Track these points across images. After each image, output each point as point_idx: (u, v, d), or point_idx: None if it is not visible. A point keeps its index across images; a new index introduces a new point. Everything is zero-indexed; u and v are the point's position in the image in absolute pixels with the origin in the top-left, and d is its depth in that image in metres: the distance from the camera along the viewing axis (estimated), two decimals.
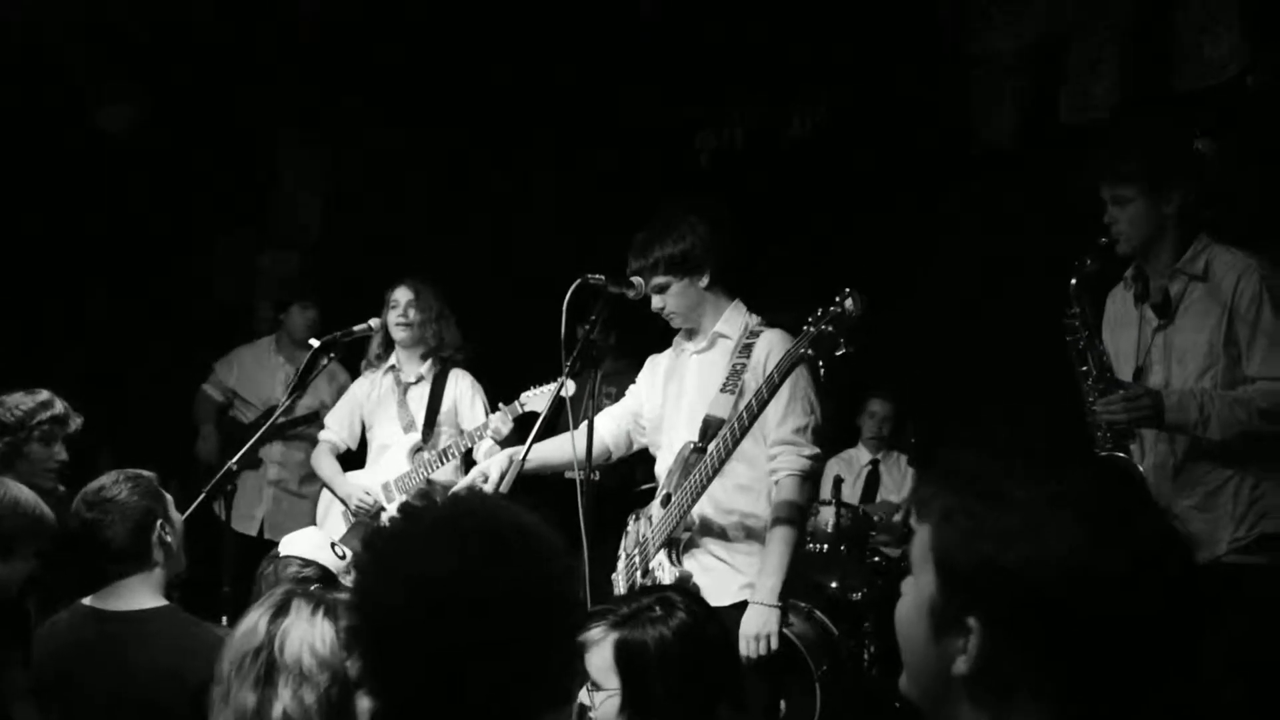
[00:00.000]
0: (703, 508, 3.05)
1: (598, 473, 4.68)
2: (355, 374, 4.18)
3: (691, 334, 3.23)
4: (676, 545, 3.06)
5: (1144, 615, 1.00)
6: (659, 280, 3.08)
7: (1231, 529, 2.82)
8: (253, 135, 5.53)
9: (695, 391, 3.16)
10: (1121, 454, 2.85)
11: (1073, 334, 2.92)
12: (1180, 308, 2.91)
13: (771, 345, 3.06)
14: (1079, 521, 1.01)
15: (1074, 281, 2.91)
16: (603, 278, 3.01)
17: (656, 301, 3.13)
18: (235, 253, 5.66)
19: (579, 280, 2.96)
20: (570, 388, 3.29)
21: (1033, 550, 0.99)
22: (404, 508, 3.32)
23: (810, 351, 2.77)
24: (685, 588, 2.87)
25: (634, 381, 4.91)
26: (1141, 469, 2.84)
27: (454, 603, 1.26)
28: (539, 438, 3.13)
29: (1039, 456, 1.09)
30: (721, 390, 3.07)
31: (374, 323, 3.84)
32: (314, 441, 4.46)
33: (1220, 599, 2.78)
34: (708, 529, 3.07)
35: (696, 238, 3.08)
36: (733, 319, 3.17)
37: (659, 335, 4.64)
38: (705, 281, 3.12)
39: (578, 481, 3.01)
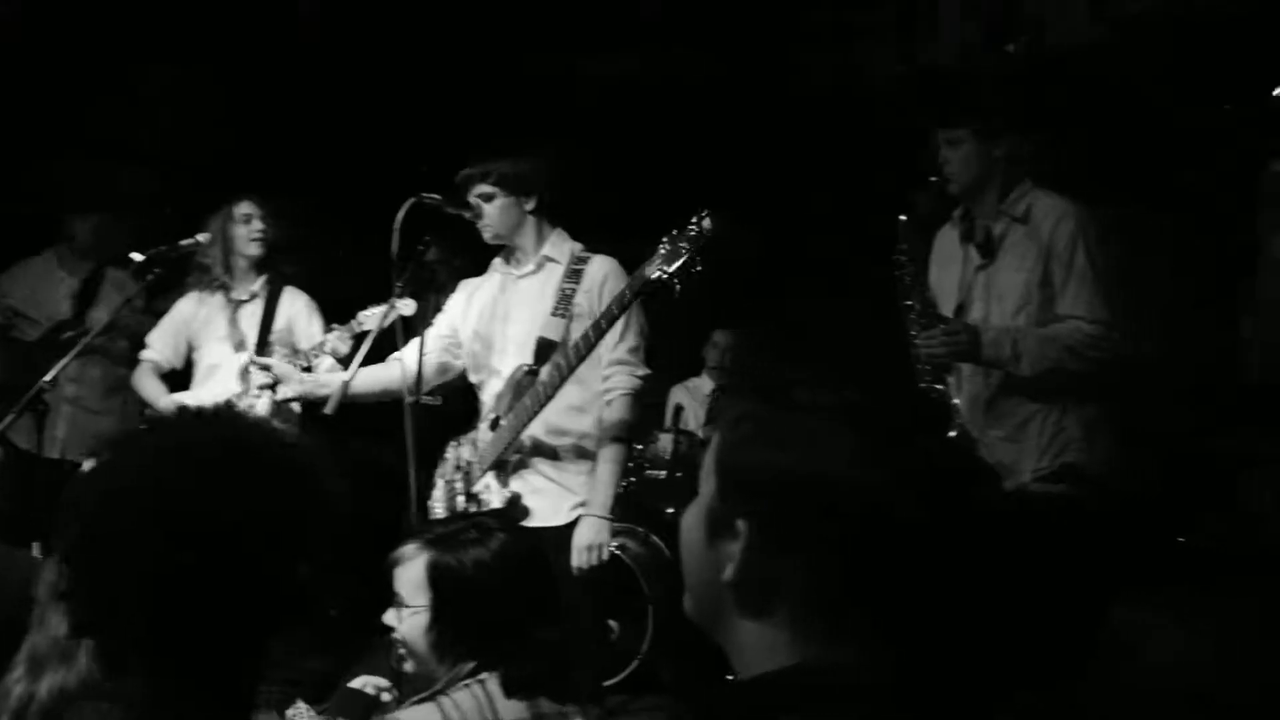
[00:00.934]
0: (533, 429, 3.07)
1: (439, 397, 4.65)
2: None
3: (511, 258, 3.23)
4: (505, 467, 3.08)
5: (905, 528, 1.02)
6: (485, 189, 3.11)
7: (1035, 459, 2.96)
8: None
9: (524, 315, 3.16)
10: (939, 385, 2.96)
11: (900, 269, 3.01)
12: (1001, 248, 3.02)
13: (607, 270, 3.11)
14: (855, 433, 1.03)
15: (903, 218, 2.98)
16: (439, 197, 2.96)
17: (475, 209, 3.12)
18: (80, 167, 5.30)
19: (413, 199, 2.89)
20: (410, 307, 3.24)
21: (806, 457, 1.02)
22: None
23: (666, 270, 2.80)
24: (505, 513, 2.90)
25: None
26: (957, 401, 2.95)
27: (159, 523, 1.17)
28: (367, 360, 3.08)
29: (830, 371, 1.12)
30: (552, 314, 3.10)
31: (202, 237, 3.67)
32: (111, 356, 4.26)
33: (1021, 523, 2.95)
34: (538, 450, 3.09)
35: (537, 162, 3.14)
36: (559, 244, 3.19)
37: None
38: (531, 205, 3.15)
39: (405, 405, 2.97)
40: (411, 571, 1.91)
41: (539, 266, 3.18)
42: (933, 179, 3.01)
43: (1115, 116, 4.10)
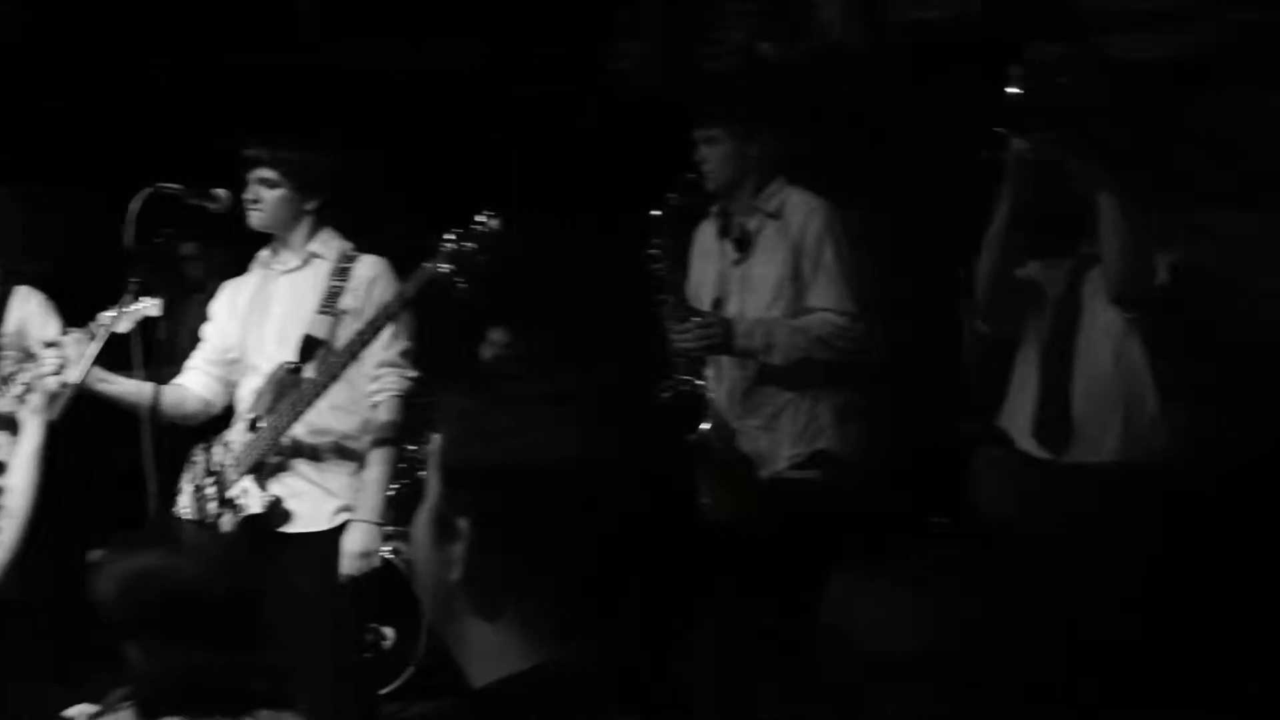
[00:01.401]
0: (292, 430, 2.97)
1: None
2: None
3: (276, 252, 3.12)
4: (263, 470, 2.97)
5: (620, 518, 1.01)
6: (269, 175, 2.98)
7: (790, 446, 3.07)
8: None
9: (287, 311, 3.06)
10: (696, 379, 3.02)
11: (656, 263, 3.07)
12: (755, 243, 3.12)
13: (377, 270, 3.04)
14: (566, 420, 1.02)
15: (656, 214, 3.04)
16: (179, 187, 2.83)
17: (252, 191, 2.99)
18: None
19: (149, 188, 2.75)
20: (156, 306, 3.07)
21: (518, 446, 1.00)
22: None
23: (446, 269, 2.77)
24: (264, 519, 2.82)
25: None
26: (712, 395, 3.02)
27: None
28: (112, 364, 2.92)
29: (544, 360, 1.12)
30: (319, 311, 3.00)
31: None
32: None
33: (777, 512, 3.05)
34: (299, 451, 2.99)
35: (330, 161, 3.05)
36: (327, 241, 3.10)
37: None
38: (312, 206, 3.05)
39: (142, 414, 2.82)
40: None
41: (304, 262, 3.08)
42: (689, 175, 3.08)
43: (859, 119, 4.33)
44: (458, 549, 1.01)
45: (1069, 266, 2.93)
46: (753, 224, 3.13)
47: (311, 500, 2.97)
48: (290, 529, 2.97)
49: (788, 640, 2.90)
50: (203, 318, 4.54)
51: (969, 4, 4.36)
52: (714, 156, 3.07)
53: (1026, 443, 2.87)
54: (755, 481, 3.08)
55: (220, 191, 2.96)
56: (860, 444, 3.11)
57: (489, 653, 1.02)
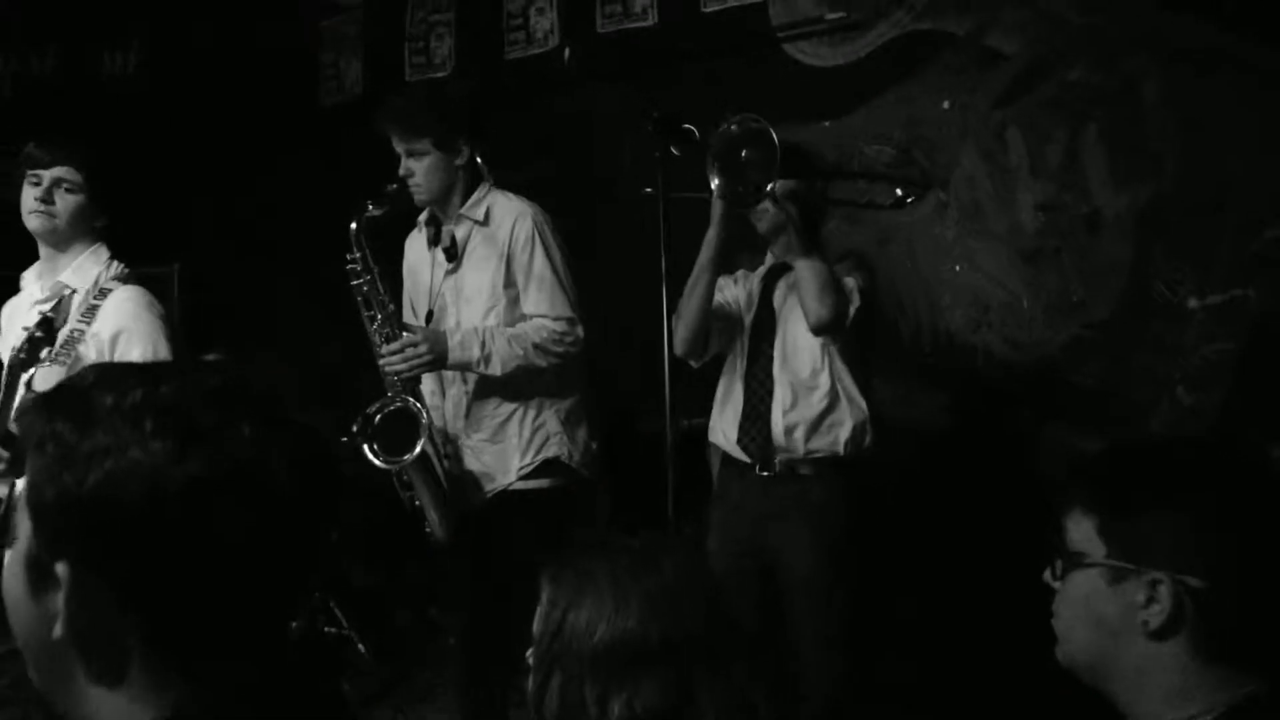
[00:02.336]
0: None
1: None
2: None
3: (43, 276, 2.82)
4: None
5: (240, 536, 0.90)
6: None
7: (519, 458, 3.04)
8: None
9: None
10: (412, 398, 2.93)
11: (356, 279, 2.96)
12: (465, 251, 3.07)
13: (124, 322, 2.69)
14: (162, 432, 0.88)
15: (354, 225, 2.93)
16: None
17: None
18: None
19: None
20: None
21: (112, 469, 0.87)
22: None
23: None
24: None
25: None
26: (425, 414, 2.94)
27: None
28: None
29: (153, 366, 0.97)
30: (53, 362, 2.60)
31: None
32: None
33: (509, 525, 3.01)
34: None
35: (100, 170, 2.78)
36: (84, 267, 2.78)
37: None
38: (99, 220, 2.80)
39: None
40: None
41: (54, 294, 2.74)
42: (391, 186, 2.99)
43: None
44: (57, 599, 0.88)
45: (760, 278, 3.06)
46: (461, 232, 3.07)
47: None
48: None
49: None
50: None
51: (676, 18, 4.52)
52: (422, 169, 3.00)
53: (733, 449, 2.97)
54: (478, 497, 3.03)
55: None
56: (588, 449, 3.12)
57: (115, 709, 0.90)
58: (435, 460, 3.00)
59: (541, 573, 1.69)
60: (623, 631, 1.57)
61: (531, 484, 3.05)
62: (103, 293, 2.71)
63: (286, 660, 0.98)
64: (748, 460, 2.95)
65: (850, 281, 2.89)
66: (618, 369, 3.66)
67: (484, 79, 4.81)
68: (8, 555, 0.94)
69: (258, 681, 0.95)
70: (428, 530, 3.03)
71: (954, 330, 3.97)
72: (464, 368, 2.97)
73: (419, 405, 2.91)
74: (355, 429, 2.82)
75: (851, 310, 2.84)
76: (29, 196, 2.71)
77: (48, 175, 2.71)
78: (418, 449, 2.84)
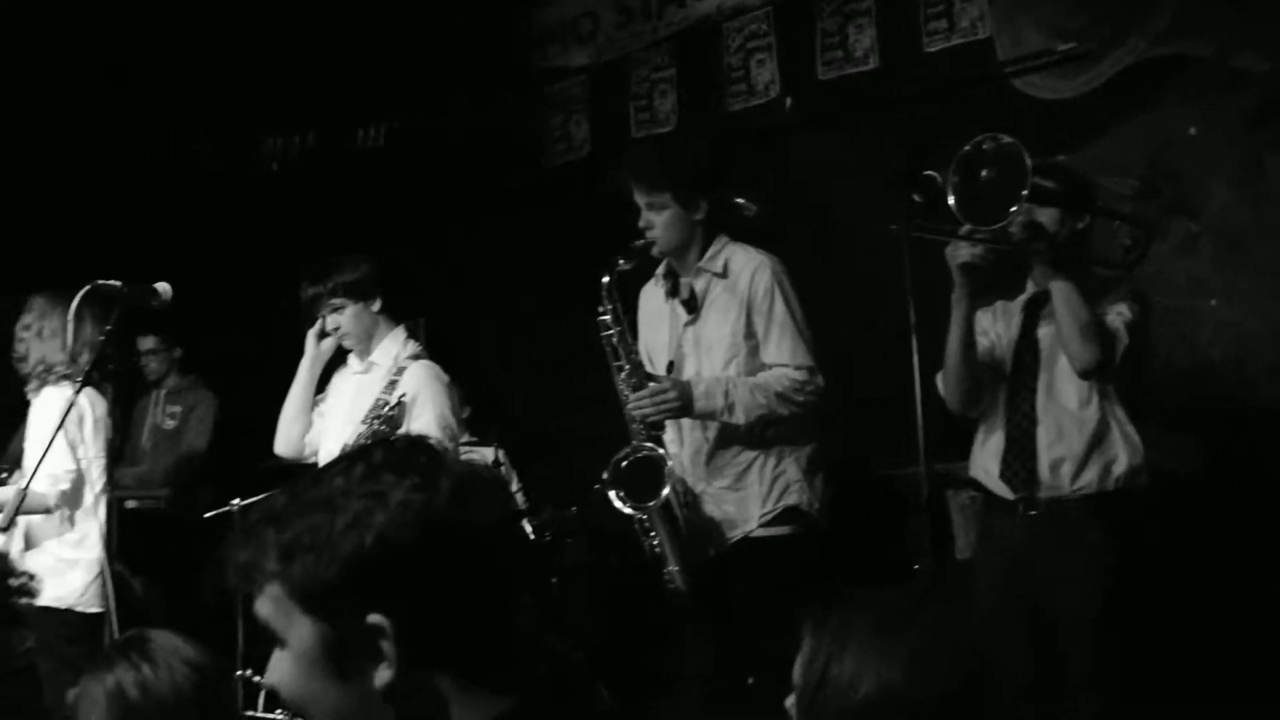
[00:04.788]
0: None
1: (162, 499, 4.38)
2: None
3: (359, 355, 3.39)
4: None
5: (494, 531, 1.03)
6: (336, 302, 3.29)
7: (760, 505, 3.07)
8: None
9: (344, 413, 3.31)
10: (654, 445, 3.01)
11: (606, 330, 3.07)
12: (705, 303, 3.14)
13: (416, 388, 3.24)
14: (403, 475, 1.02)
15: (605, 279, 3.05)
16: (119, 284, 2.82)
17: (331, 321, 3.31)
18: None
19: (89, 285, 2.75)
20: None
21: (384, 520, 0.99)
22: None
23: None
24: None
25: (202, 399, 4.63)
26: (671, 462, 3.01)
27: None
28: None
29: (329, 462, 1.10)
30: (362, 421, 3.21)
31: None
32: None
33: (750, 572, 3.04)
34: None
35: (369, 266, 3.33)
36: (387, 348, 3.36)
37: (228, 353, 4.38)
38: (376, 306, 3.33)
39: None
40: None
41: (367, 369, 3.37)
42: (637, 242, 3.10)
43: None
44: (377, 649, 0.99)
45: (1020, 307, 2.98)
46: (699, 284, 3.15)
47: None
48: None
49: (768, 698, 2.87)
50: (162, 412, 4.52)
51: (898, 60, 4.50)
52: (660, 222, 3.09)
53: (995, 485, 2.89)
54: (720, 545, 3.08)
55: (161, 285, 2.94)
56: (825, 496, 3.12)
57: None
58: (676, 507, 3.07)
59: (803, 622, 1.70)
60: (887, 686, 1.56)
61: (772, 531, 3.07)
62: (400, 370, 3.28)
63: (560, 689, 1.06)
64: (1011, 497, 2.86)
65: (1116, 319, 2.76)
66: (848, 414, 3.63)
67: (708, 132, 4.91)
68: (288, 673, 1.04)
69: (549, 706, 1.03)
70: (666, 577, 3.09)
71: (1213, 366, 3.74)
72: (709, 417, 3.03)
73: (664, 452, 2.98)
74: (605, 476, 2.92)
75: (1120, 349, 2.72)
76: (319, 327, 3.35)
77: (324, 312, 3.30)
78: (664, 494, 2.91)
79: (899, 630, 1.58)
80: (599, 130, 5.46)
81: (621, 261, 3.05)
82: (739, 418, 2.99)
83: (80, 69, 4.95)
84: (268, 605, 1.03)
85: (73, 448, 3.28)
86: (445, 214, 5.25)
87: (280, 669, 1.04)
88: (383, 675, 0.98)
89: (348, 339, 3.34)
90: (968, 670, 1.57)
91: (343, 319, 3.30)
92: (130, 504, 4.06)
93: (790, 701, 1.65)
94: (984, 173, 2.65)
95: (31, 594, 2.99)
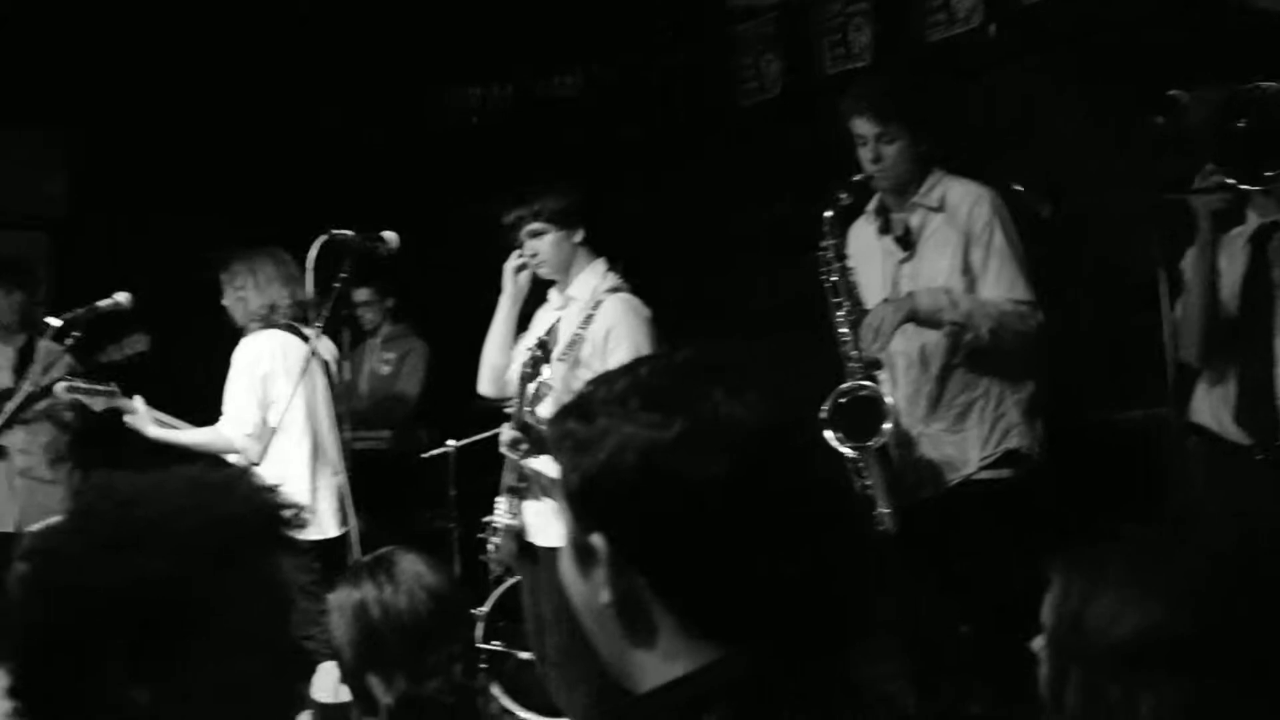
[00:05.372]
0: (543, 463, 3.08)
1: (384, 440, 4.60)
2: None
3: (559, 289, 3.28)
4: (517, 492, 3.17)
5: (734, 494, 0.98)
6: (536, 226, 3.15)
7: (980, 448, 2.98)
8: None
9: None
10: (868, 384, 2.95)
11: (826, 266, 3.01)
12: (921, 239, 3.04)
13: (613, 319, 3.11)
14: (647, 407, 1.00)
15: (828, 215, 2.99)
16: (350, 233, 2.93)
17: (529, 247, 3.18)
18: None
19: (324, 236, 2.87)
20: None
21: (613, 445, 0.99)
22: None
23: None
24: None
25: (414, 346, 4.81)
26: (890, 399, 2.94)
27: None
28: None
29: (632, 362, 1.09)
30: (559, 359, 3.12)
31: (121, 297, 3.58)
32: (56, 423, 4.19)
33: (969, 516, 2.96)
34: (539, 480, 3.12)
35: (576, 195, 3.22)
36: (585, 280, 3.22)
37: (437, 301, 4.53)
38: (578, 237, 3.20)
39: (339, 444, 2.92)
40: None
41: (565, 304, 3.25)
42: (856, 176, 3.02)
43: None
44: (600, 572, 1.00)
45: (1245, 240, 2.77)
46: (914, 219, 3.05)
47: (547, 518, 3.08)
48: (536, 541, 3.12)
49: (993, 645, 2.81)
50: (378, 359, 4.72)
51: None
52: (888, 154, 2.98)
53: (1231, 431, 2.72)
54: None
55: (389, 234, 3.05)
56: (1042, 440, 3.00)
57: (659, 673, 1.00)
58: (892, 448, 3.01)
59: (1050, 562, 1.64)
60: (1150, 625, 1.49)
61: (993, 474, 2.98)
62: (598, 303, 3.16)
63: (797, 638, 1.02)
64: (1246, 443, 2.69)
65: None
66: (1067, 356, 3.47)
67: (908, 65, 4.74)
68: (562, 549, 1.07)
69: (772, 654, 1.00)
70: (875, 519, 3.04)
71: None
72: (932, 317, 2.91)
73: (883, 390, 2.92)
74: (823, 415, 2.88)
75: None
76: (517, 263, 3.23)
77: (523, 237, 3.18)
78: (884, 434, 2.86)
79: (1160, 567, 1.50)
80: (791, 69, 5.34)
81: (843, 196, 2.98)
82: (964, 316, 2.88)
83: (299, 26, 5.16)
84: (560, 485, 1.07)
85: (264, 394, 3.47)
86: (640, 158, 5.25)
87: (561, 551, 1.08)
88: (604, 594, 1.00)
89: (544, 267, 3.20)
90: (1231, 606, 1.48)
91: (541, 245, 3.17)
92: (356, 445, 4.26)
93: (1039, 643, 1.59)
94: (1244, 121, 2.45)
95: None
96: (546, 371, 3.09)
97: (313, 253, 2.83)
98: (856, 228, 3.21)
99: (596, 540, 0.99)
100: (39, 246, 5.40)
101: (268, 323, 3.51)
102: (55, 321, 3.44)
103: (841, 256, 3.00)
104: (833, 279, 3.00)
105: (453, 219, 5.06)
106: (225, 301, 3.57)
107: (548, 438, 1.08)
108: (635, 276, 3.30)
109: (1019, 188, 3.07)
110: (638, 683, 1.01)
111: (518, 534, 3.16)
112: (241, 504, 1.20)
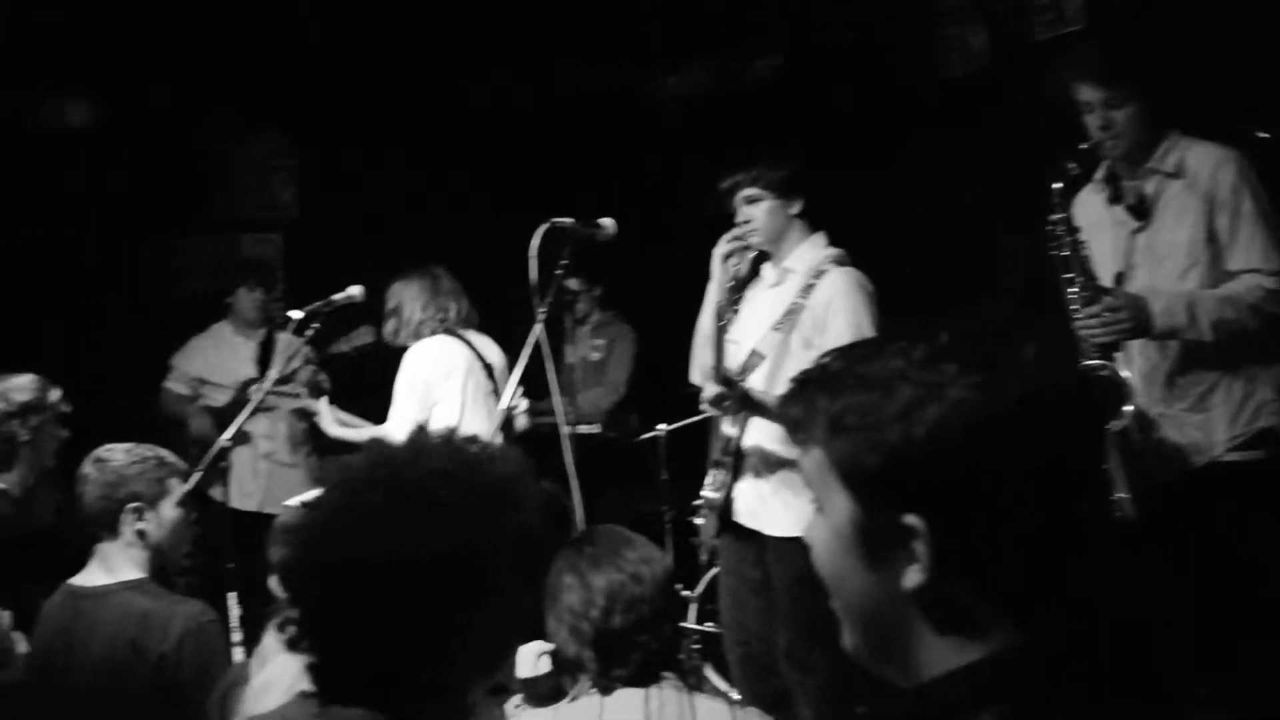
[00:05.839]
0: (758, 439, 3.08)
1: (598, 425, 4.70)
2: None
3: (775, 263, 3.22)
4: (722, 465, 3.15)
5: (1057, 447, 0.93)
6: (752, 193, 3.12)
7: (1227, 428, 2.79)
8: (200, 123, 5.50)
9: (755, 325, 3.17)
10: (1106, 362, 2.80)
11: (1055, 240, 2.87)
12: (1157, 207, 2.87)
13: (833, 293, 3.04)
14: (968, 369, 0.92)
15: (1057, 186, 2.85)
16: (570, 220, 3.00)
17: (744, 214, 3.15)
18: (205, 243, 5.68)
19: (546, 223, 2.94)
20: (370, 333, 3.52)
21: (936, 414, 0.91)
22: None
23: None
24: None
25: (623, 334, 4.88)
26: (1128, 374, 2.79)
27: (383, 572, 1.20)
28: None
29: (895, 330, 1.01)
30: (774, 328, 3.08)
31: (355, 291, 3.79)
32: (295, 411, 4.49)
33: (1218, 500, 2.78)
34: (765, 459, 3.09)
35: (795, 165, 3.17)
36: (803, 254, 3.15)
37: (644, 288, 4.58)
38: (794, 209, 3.15)
39: (562, 433, 2.99)
40: None
41: (781, 278, 3.20)
42: (1082, 145, 2.88)
43: None
44: (911, 550, 0.92)
45: None
46: (1150, 187, 2.87)
47: (771, 505, 3.07)
48: (754, 526, 3.07)
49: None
50: (588, 346, 4.82)
51: None
52: (1120, 119, 2.81)
53: None
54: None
55: (606, 221, 3.10)
56: None
57: (950, 660, 0.94)
58: (1132, 431, 2.85)
59: None
60: None
61: (1243, 456, 2.79)
62: (820, 273, 3.06)
63: (1097, 620, 0.96)
64: None
65: None
66: None
67: (1127, 24, 4.48)
68: (820, 539, 1.00)
69: (1078, 638, 0.94)
70: (1113, 504, 2.89)
71: None
72: (1169, 336, 2.78)
73: (1122, 372, 2.77)
74: None
75: None
76: (725, 249, 3.16)
77: (738, 204, 3.11)
78: (1126, 417, 2.72)
79: None
80: (998, 38, 5.14)
81: (1072, 165, 2.84)
82: (1205, 334, 2.72)
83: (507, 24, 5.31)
84: (810, 465, 0.99)
85: (425, 397, 3.62)
86: (844, 138, 5.17)
87: (815, 536, 1.01)
88: (912, 577, 0.93)
89: (757, 235, 3.13)
90: None
91: (756, 213, 3.10)
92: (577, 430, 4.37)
93: None
94: None
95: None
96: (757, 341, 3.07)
97: (535, 241, 2.90)
98: (1082, 197, 3.06)
99: (912, 521, 0.92)
100: (274, 247, 5.78)
101: (432, 330, 3.73)
102: (296, 314, 3.65)
103: (1073, 230, 2.85)
104: (1064, 253, 2.86)
105: (661, 205, 5.11)
106: (385, 328, 3.82)
107: (788, 419, 1.00)
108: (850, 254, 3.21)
109: (1264, 135, 2.85)
110: (917, 672, 0.95)
111: (721, 509, 3.14)
112: (505, 464, 1.27)
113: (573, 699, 1.88)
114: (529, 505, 1.26)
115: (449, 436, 1.29)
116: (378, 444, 1.31)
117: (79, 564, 2.51)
